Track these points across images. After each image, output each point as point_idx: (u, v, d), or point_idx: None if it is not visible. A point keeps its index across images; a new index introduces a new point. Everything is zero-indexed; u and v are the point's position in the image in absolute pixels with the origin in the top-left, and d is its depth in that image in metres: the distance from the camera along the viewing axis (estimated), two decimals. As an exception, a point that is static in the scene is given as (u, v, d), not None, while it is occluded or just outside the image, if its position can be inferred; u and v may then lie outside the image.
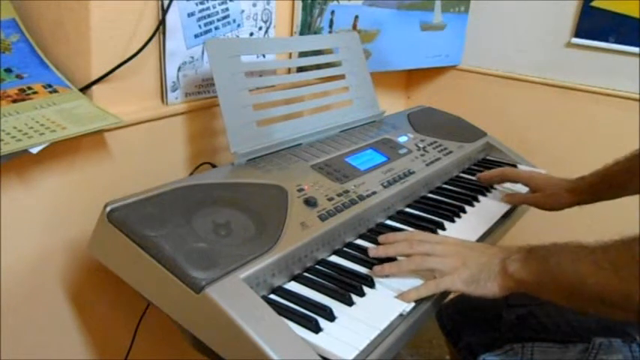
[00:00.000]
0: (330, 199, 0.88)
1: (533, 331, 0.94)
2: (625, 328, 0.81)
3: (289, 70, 1.23)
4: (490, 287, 0.73)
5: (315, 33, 1.27)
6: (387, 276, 0.77)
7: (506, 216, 1.06)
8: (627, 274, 0.60)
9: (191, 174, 1.08)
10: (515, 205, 1.09)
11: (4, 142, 0.74)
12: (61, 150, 0.86)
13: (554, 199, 1.04)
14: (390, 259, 0.79)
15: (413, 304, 0.73)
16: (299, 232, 0.78)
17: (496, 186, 1.15)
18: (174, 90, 1.02)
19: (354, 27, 1.37)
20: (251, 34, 1.13)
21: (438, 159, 1.16)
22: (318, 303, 0.70)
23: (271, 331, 0.61)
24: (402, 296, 0.74)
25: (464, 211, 1.02)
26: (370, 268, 0.79)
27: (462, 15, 1.68)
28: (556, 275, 0.68)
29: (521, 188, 1.15)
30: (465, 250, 0.77)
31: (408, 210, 1.01)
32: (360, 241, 0.88)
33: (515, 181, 1.13)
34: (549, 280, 0.68)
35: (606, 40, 1.46)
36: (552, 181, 1.08)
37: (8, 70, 0.83)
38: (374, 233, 0.89)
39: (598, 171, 1.00)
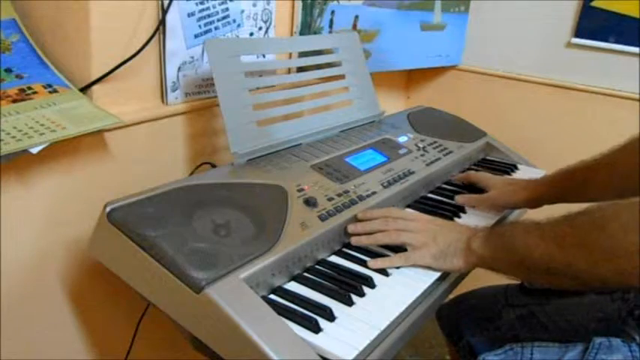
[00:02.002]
0: (330, 199, 0.88)
1: (533, 330, 0.94)
2: (625, 328, 0.81)
3: (289, 70, 1.23)
4: (455, 262, 0.79)
5: (315, 33, 1.27)
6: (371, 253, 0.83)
7: (506, 216, 1.06)
8: (568, 244, 0.66)
9: (191, 174, 1.08)
10: (468, 206, 1.04)
11: (4, 142, 0.74)
12: (61, 150, 0.86)
13: (507, 194, 1.03)
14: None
15: (407, 305, 0.73)
16: (299, 232, 0.78)
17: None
18: (174, 90, 1.02)
19: (354, 27, 1.36)
20: (251, 34, 1.13)
21: (438, 159, 1.16)
22: (318, 303, 0.70)
23: (271, 331, 0.61)
24: (371, 263, 0.80)
25: (464, 211, 1.02)
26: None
27: (462, 15, 1.68)
28: (509, 249, 0.74)
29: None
30: (436, 227, 0.84)
31: (408, 210, 1.01)
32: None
33: (477, 183, 1.11)
34: (503, 253, 0.75)
35: (606, 40, 1.46)
36: (510, 180, 1.09)
37: (8, 70, 0.83)
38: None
39: (560, 168, 1.00)
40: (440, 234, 0.82)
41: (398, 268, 0.80)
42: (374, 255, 0.83)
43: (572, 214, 0.69)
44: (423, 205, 1.04)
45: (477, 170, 1.21)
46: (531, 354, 0.78)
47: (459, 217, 1.00)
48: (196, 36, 1.02)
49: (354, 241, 0.84)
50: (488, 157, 1.35)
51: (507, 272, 0.76)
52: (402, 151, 1.12)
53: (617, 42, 1.45)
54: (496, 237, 0.77)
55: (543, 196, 1.00)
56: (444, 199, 1.07)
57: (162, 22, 0.95)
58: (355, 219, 0.86)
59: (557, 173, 1.00)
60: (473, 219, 1.00)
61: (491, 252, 0.76)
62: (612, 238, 0.62)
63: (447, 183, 1.16)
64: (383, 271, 0.79)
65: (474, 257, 0.78)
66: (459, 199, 1.05)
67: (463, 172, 1.23)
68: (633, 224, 0.60)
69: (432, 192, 1.10)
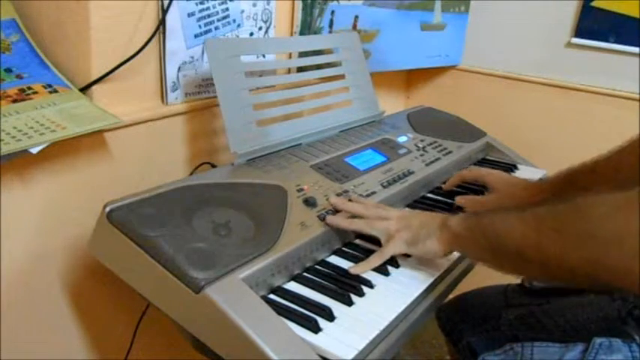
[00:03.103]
0: (330, 199, 0.88)
1: (533, 330, 0.94)
2: (625, 328, 0.81)
3: (289, 70, 1.23)
4: (430, 244, 0.77)
5: (315, 33, 1.27)
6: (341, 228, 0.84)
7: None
8: (544, 227, 0.64)
9: (191, 174, 1.08)
10: (469, 209, 1.03)
11: (4, 142, 0.74)
12: (61, 150, 0.86)
13: (509, 198, 1.01)
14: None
15: (407, 304, 0.73)
16: (298, 232, 0.78)
17: None
18: (174, 90, 1.02)
19: (354, 27, 1.37)
20: (251, 34, 1.13)
21: (438, 159, 1.16)
22: (318, 303, 0.70)
23: (271, 331, 0.61)
24: (353, 269, 0.78)
25: (463, 211, 1.02)
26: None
27: (462, 15, 1.68)
28: (487, 230, 0.71)
29: None
30: (412, 214, 0.83)
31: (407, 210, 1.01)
32: (359, 241, 0.88)
33: (475, 181, 1.10)
34: (480, 234, 0.72)
35: (606, 40, 1.46)
36: (511, 181, 1.06)
37: (8, 70, 0.83)
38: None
39: (561, 170, 0.98)
40: (415, 218, 0.80)
41: (386, 274, 0.79)
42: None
43: (555, 201, 0.67)
44: (422, 204, 1.04)
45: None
46: (531, 354, 0.78)
47: (459, 217, 1.00)
48: (196, 36, 1.02)
49: (328, 219, 0.82)
50: (488, 157, 1.35)
51: (482, 256, 0.73)
52: (401, 151, 1.12)
53: (617, 42, 1.45)
54: (475, 218, 0.75)
55: (544, 202, 0.99)
56: (444, 199, 1.07)
57: (162, 22, 0.95)
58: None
59: (557, 178, 0.98)
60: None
61: (467, 231, 0.74)
62: (589, 223, 0.59)
63: (446, 183, 1.15)
64: (383, 271, 0.79)
65: (448, 234, 0.76)
66: (459, 199, 1.04)
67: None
68: (614, 212, 0.57)
69: (431, 192, 1.10)
